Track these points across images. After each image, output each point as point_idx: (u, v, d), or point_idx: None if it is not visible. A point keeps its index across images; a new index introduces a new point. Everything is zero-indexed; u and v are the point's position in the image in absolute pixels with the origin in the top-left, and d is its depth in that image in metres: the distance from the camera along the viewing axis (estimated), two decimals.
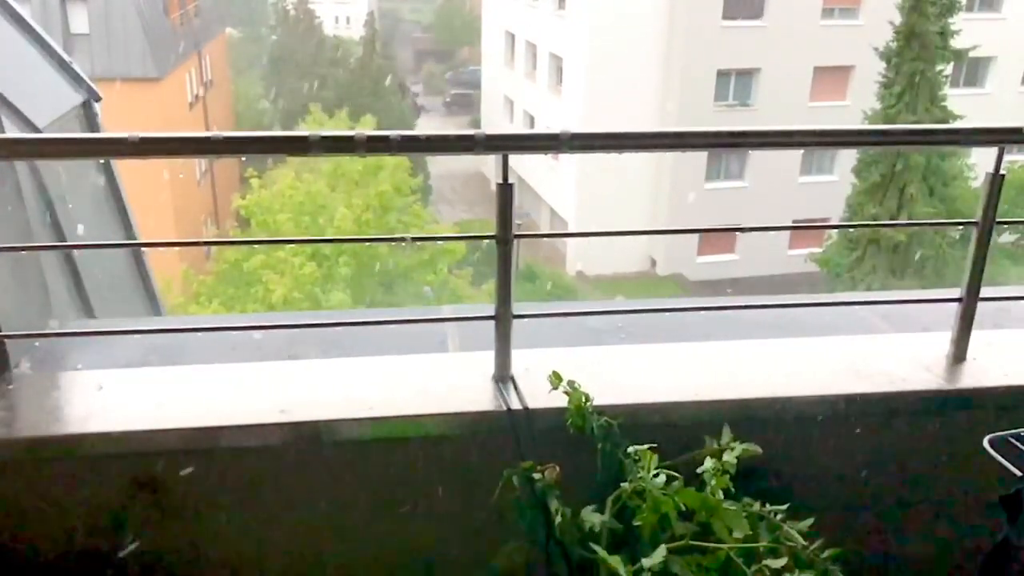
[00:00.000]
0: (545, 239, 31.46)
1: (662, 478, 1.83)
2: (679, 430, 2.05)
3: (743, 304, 2.72)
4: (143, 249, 5.28)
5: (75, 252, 3.36)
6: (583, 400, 1.96)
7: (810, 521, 1.83)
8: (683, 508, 1.80)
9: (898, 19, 20.50)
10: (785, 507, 1.86)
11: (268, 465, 2.10)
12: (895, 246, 20.48)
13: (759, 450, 1.94)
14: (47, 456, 2.02)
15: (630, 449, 1.91)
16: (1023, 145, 2.19)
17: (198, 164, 26.78)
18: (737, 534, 1.76)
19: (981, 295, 2.28)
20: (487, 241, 2.06)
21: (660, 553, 1.73)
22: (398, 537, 2.17)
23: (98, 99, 4.32)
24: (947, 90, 21.35)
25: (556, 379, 2.00)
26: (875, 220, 20.30)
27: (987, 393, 2.29)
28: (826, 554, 1.77)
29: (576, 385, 1.99)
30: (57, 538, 2.07)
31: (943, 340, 2.37)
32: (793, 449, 2.18)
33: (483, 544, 2.13)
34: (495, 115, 33.76)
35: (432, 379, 2.23)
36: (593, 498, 1.97)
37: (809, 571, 1.78)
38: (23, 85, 3.51)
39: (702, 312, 2.80)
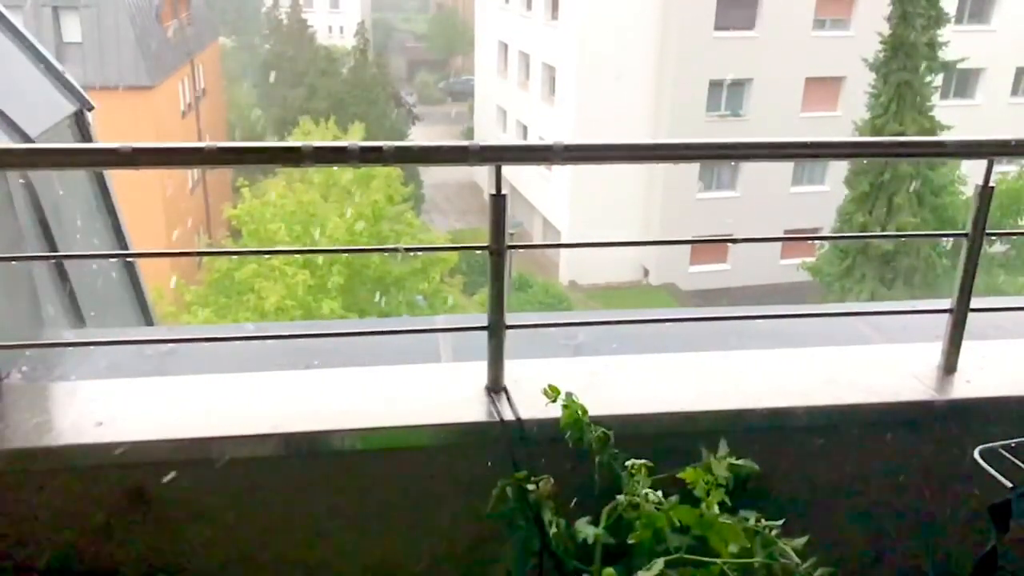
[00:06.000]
0: (538, 249, 31.44)
1: (657, 492, 1.82)
2: (672, 441, 2.05)
3: (735, 315, 2.72)
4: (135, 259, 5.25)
5: (66, 262, 3.34)
6: (580, 413, 1.95)
7: (805, 539, 1.83)
8: (677, 524, 1.80)
9: (887, 30, 20.66)
10: (780, 522, 1.86)
11: (260, 476, 2.09)
12: (884, 255, 20.60)
13: (756, 467, 1.95)
14: (38, 468, 2.01)
15: (627, 463, 1.91)
16: (1013, 157, 2.20)
17: (190, 173, 26.75)
18: (732, 548, 1.76)
19: (972, 306, 2.29)
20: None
21: (655, 567, 1.73)
22: (391, 549, 2.16)
23: (91, 108, 4.30)
24: (937, 101, 21.51)
25: (553, 392, 1.99)
26: (864, 229, 20.41)
27: (977, 404, 2.30)
28: (819, 572, 1.77)
29: (573, 397, 1.98)
30: (48, 550, 2.05)
31: (934, 351, 2.38)
32: (785, 459, 2.19)
33: (477, 556, 2.13)
34: (488, 125, 33.85)
35: (425, 390, 2.22)
36: (587, 510, 1.97)
37: None
38: (15, 94, 3.50)
39: (694, 323, 2.80)
